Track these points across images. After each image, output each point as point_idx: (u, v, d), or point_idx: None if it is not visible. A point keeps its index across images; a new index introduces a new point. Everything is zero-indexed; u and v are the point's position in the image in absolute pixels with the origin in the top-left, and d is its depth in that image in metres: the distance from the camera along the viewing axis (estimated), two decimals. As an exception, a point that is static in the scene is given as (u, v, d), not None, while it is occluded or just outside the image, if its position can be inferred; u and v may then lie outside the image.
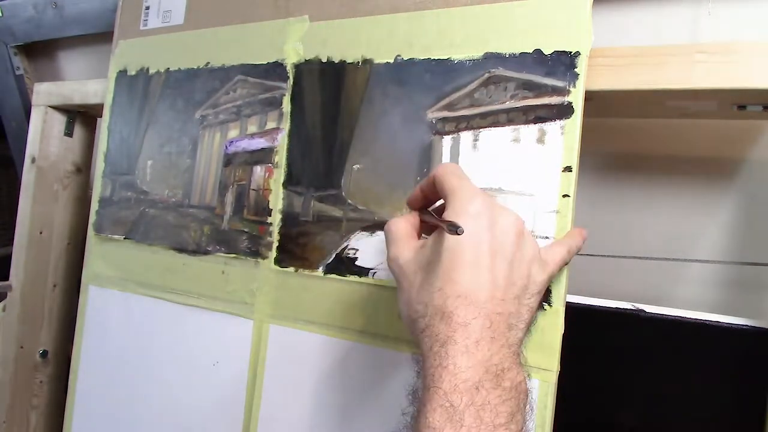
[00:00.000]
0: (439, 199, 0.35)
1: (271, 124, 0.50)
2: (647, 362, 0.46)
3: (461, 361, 0.28)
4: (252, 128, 0.51)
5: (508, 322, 0.30)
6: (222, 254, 0.51)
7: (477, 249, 0.30)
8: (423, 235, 0.37)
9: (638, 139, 0.52)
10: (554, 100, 0.38)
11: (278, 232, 0.48)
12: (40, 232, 0.70)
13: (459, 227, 0.29)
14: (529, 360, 0.35)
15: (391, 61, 0.45)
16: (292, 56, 0.50)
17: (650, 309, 0.46)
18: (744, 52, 0.35)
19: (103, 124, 0.62)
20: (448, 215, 0.31)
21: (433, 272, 0.31)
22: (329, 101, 0.47)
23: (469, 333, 0.28)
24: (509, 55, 0.40)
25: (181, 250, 0.54)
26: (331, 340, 0.45)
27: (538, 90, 0.39)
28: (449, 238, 0.30)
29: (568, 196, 0.37)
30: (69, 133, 0.72)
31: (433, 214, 0.36)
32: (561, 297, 0.36)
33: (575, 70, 0.38)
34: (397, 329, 0.42)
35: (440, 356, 0.28)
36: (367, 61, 0.46)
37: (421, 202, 0.37)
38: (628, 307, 0.46)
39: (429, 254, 0.32)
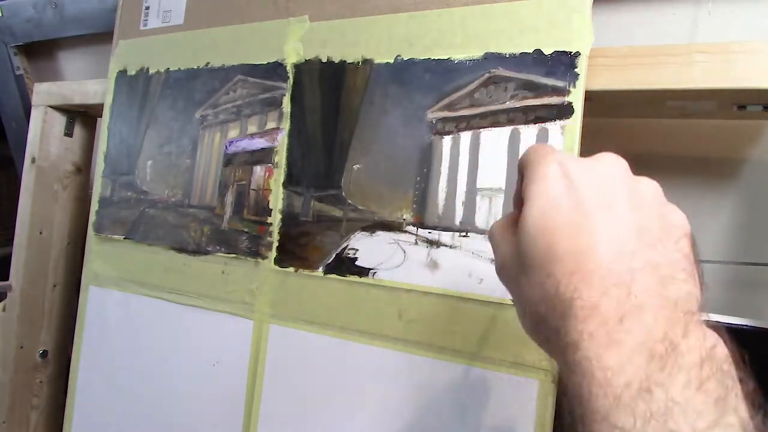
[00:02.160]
0: None
1: (271, 124, 0.50)
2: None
3: (609, 358, 0.19)
4: (252, 128, 0.51)
5: (658, 275, 0.21)
6: (222, 254, 0.51)
7: (566, 209, 0.23)
8: None
9: (638, 139, 0.52)
10: (554, 100, 0.38)
11: (278, 232, 0.48)
12: (40, 232, 0.70)
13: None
14: (529, 360, 0.35)
15: (391, 61, 0.45)
16: (292, 56, 0.50)
17: (650, 309, 0.46)
18: (744, 52, 0.35)
19: (103, 124, 0.62)
20: (525, 185, 0.25)
21: (534, 259, 0.23)
22: (329, 101, 0.47)
23: (604, 314, 0.20)
24: (509, 55, 0.40)
25: (181, 250, 0.54)
26: (331, 340, 0.45)
27: (538, 90, 0.39)
28: (531, 214, 0.24)
29: (568, 196, 0.37)
30: (69, 133, 0.72)
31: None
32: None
33: (575, 70, 0.38)
34: (397, 329, 0.42)
35: (581, 365, 0.20)
36: (367, 61, 0.46)
37: (519, 203, 0.29)
38: None
39: (523, 243, 0.24)
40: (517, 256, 0.25)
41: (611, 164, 0.25)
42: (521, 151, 0.39)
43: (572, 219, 0.23)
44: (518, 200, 0.28)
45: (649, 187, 0.25)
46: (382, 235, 0.44)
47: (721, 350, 0.20)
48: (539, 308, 0.23)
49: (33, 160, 0.70)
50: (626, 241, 0.22)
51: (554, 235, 0.23)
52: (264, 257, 0.49)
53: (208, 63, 0.55)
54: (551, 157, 0.25)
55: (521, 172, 0.27)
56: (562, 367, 0.22)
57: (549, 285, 0.22)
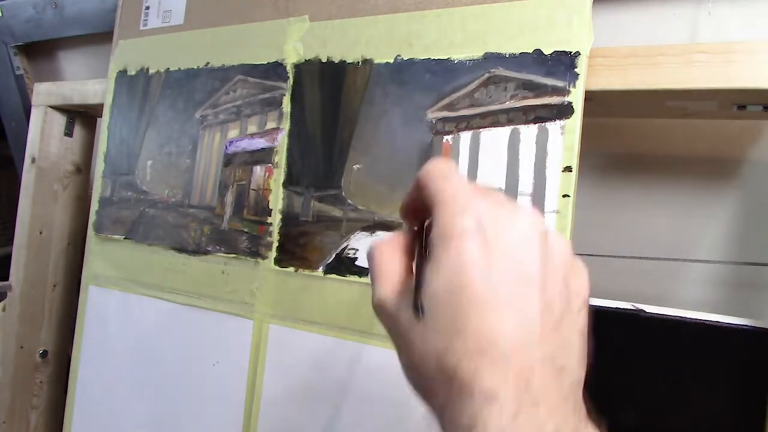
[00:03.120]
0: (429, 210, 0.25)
1: (271, 124, 0.50)
2: (647, 362, 0.46)
3: None
4: (252, 128, 0.51)
5: (553, 366, 0.21)
6: (222, 254, 0.51)
7: (478, 282, 0.21)
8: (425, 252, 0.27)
9: (638, 139, 0.52)
10: (554, 100, 0.38)
11: (278, 232, 0.48)
12: (40, 232, 0.70)
13: (421, 307, 0.22)
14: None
15: (391, 61, 0.45)
16: (292, 56, 0.50)
17: (650, 309, 0.46)
18: (744, 52, 0.35)
19: (103, 124, 0.62)
20: (433, 236, 0.23)
21: (437, 325, 0.22)
22: (329, 101, 0.47)
23: (502, 406, 0.19)
24: (509, 55, 0.40)
25: (181, 250, 0.54)
26: (331, 340, 0.45)
27: (538, 90, 0.39)
28: (438, 276, 0.22)
29: (568, 196, 0.37)
30: (69, 133, 0.72)
31: (421, 238, 0.27)
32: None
33: (575, 70, 0.38)
34: (397, 329, 0.42)
35: None
36: (367, 61, 0.46)
37: (413, 213, 0.27)
38: (628, 307, 0.46)
39: (425, 301, 0.22)
40: (406, 303, 0.23)
41: (528, 225, 0.23)
42: (522, 151, 0.39)
43: (483, 295, 0.21)
44: (409, 212, 0.27)
45: (559, 247, 0.23)
46: (382, 235, 0.44)
47: None
48: (429, 373, 0.22)
49: (33, 160, 0.70)
50: (532, 327, 0.21)
51: (461, 308, 0.21)
52: (264, 257, 0.49)
53: (208, 63, 0.55)
54: (469, 206, 0.22)
55: (424, 189, 0.24)
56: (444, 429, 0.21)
57: (448, 358, 0.21)
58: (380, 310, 0.25)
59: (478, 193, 0.23)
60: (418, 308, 0.23)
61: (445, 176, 0.24)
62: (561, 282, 0.22)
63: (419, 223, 0.27)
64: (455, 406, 0.20)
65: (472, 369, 0.20)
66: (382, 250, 0.26)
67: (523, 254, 0.22)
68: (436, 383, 0.21)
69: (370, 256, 0.26)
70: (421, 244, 0.26)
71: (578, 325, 0.23)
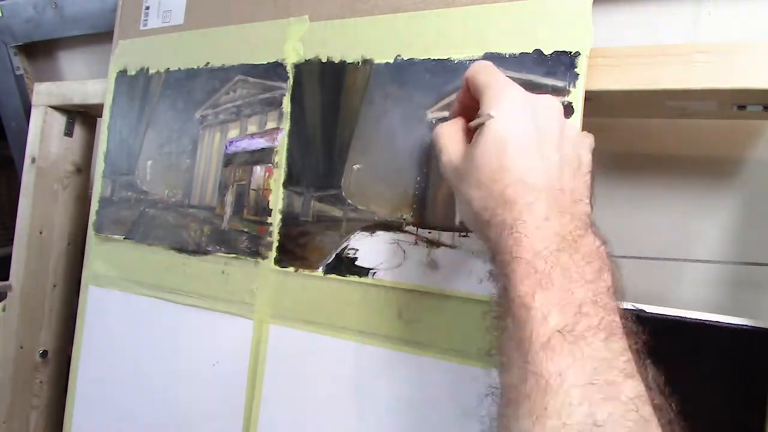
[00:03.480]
0: (478, 104, 0.33)
1: (271, 124, 0.50)
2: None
3: (535, 236, 0.27)
4: (252, 128, 0.51)
5: (572, 196, 0.29)
6: (222, 254, 0.51)
7: (521, 134, 0.30)
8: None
9: (638, 139, 0.52)
10: (554, 100, 0.38)
11: (278, 232, 0.48)
12: (40, 232, 0.70)
13: (488, 114, 0.29)
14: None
15: (391, 61, 0.45)
16: (292, 56, 0.50)
17: (650, 309, 0.46)
18: (744, 52, 0.35)
19: (103, 124, 0.62)
20: (484, 107, 0.31)
21: (486, 165, 0.30)
22: (329, 101, 0.47)
23: (536, 212, 0.28)
24: (509, 55, 0.40)
25: (181, 250, 0.54)
26: (331, 340, 0.45)
27: (538, 90, 0.39)
28: (492, 131, 0.30)
29: (568, 196, 0.37)
30: (69, 133, 0.72)
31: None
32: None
33: (575, 70, 0.38)
34: (397, 329, 0.42)
35: (513, 236, 0.27)
36: (367, 61, 0.46)
37: (463, 111, 0.36)
38: (628, 307, 0.46)
39: (479, 151, 0.31)
40: (468, 158, 0.31)
41: (551, 103, 0.32)
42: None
43: (526, 145, 0.30)
44: (462, 110, 0.36)
45: (573, 129, 0.32)
46: (382, 235, 0.44)
47: (604, 250, 0.29)
48: (481, 201, 0.30)
49: (33, 160, 0.70)
50: (555, 169, 0.30)
51: (510, 152, 0.29)
52: (264, 257, 0.49)
53: (208, 63, 0.55)
54: (508, 86, 0.32)
55: (472, 84, 0.33)
56: (494, 238, 0.29)
57: (497, 187, 0.29)
58: (448, 166, 0.33)
59: (513, 83, 0.32)
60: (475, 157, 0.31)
61: (487, 70, 0.33)
62: (573, 149, 0.31)
63: (467, 119, 0.35)
64: (502, 215, 0.29)
65: (515, 190, 0.29)
66: (444, 127, 0.35)
67: (546, 122, 0.31)
68: (487, 205, 0.30)
69: (435, 132, 0.35)
70: (468, 130, 0.34)
71: (587, 181, 0.31)
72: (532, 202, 0.28)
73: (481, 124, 0.31)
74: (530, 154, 0.29)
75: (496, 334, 0.29)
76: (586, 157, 0.32)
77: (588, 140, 0.34)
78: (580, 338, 0.25)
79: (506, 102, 0.30)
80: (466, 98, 0.35)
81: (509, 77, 0.33)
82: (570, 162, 0.31)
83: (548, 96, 0.32)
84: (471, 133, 0.35)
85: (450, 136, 0.34)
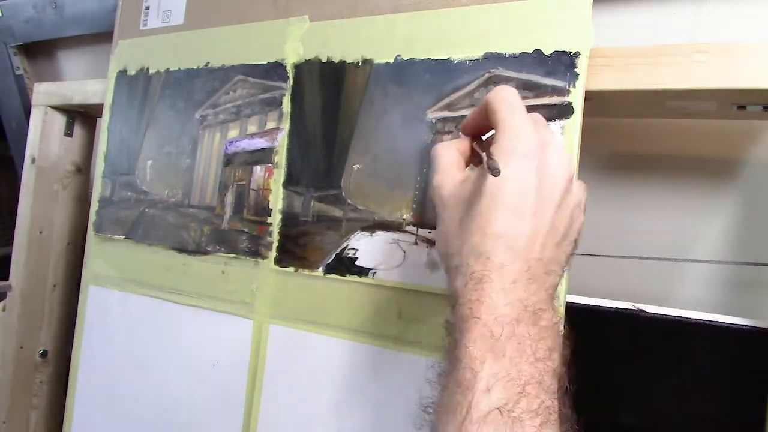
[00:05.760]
0: (491, 127, 0.32)
1: (271, 124, 0.50)
2: (647, 362, 0.46)
3: (499, 297, 0.27)
4: (252, 128, 0.51)
5: (546, 267, 0.29)
6: (222, 254, 0.51)
7: (521, 194, 0.29)
8: (471, 165, 0.35)
9: (638, 139, 0.52)
10: (554, 100, 0.38)
11: (278, 232, 0.48)
12: (40, 232, 0.70)
13: (497, 169, 0.27)
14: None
15: (391, 61, 0.45)
16: (292, 56, 0.50)
17: (650, 309, 0.46)
18: (744, 52, 0.35)
19: (103, 124, 0.62)
20: (495, 151, 0.29)
21: (474, 209, 0.29)
22: (329, 101, 0.47)
23: (506, 274, 0.28)
24: (509, 55, 0.40)
25: (181, 250, 0.54)
26: (331, 340, 0.45)
27: (538, 90, 0.39)
28: (492, 186, 0.29)
29: (568, 196, 0.37)
30: (69, 133, 0.72)
31: (482, 145, 0.34)
32: (561, 297, 0.36)
33: (575, 70, 0.38)
34: (397, 329, 0.42)
35: (477, 292, 0.27)
36: (367, 61, 0.46)
37: (473, 130, 0.35)
38: (628, 307, 0.46)
39: (471, 190, 0.30)
40: (463, 194, 0.31)
41: (562, 167, 0.30)
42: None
43: (522, 203, 0.29)
44: (473, 128, 0.34)
45: (576, 191, 0.31)
46: (381, 235, 0.44)
47: (558, 327, 0.29)
48: (458, 242, 0.30)
49: (33, 160, 0.70)
50: (541, 236, 0.29)
51: (502, 206, 0.29)
52: (264, 257, 0.49)
53: (208, 63, 0.55)
54: (524, 137, 0.30)
55: (491, 112, 0.31)
56: (459, 286, 0.29)
57: (476, 235, 0.29)
58: (437, 192, 0.32)
59: (533, 126, 0.30)
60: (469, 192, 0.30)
61: (511, 106, 0.31)
62: (569, 217, 0.30)
63: (475, 135, 0.35)
64: (472, 265, 0.28)
65: (493, 246, 0.28)
66: (445, 149, 0.34)
67: (552, 187, 0.29)
68: (461, 250, 0.29)
69: (434, 152, 0.34)
70: (472, 150, 0.34)
71: (568, 251, 0.31)
72: (506, 264, 0.28)
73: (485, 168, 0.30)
74: (521, 216, 0.29)
75: (438, 388, 0.28)
76: (577, 225, 0.31)
77: (584, 197, 0.32)
78: (517, 421, 0.24)
79: (518, 157, 0.29)
80: (481, 118, 0.33)
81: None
82: (560, 228, 0.30)
83: (561, 153, 0.30)
84: (470, 158, 0.35)
85: (448, 157, 0.33)
